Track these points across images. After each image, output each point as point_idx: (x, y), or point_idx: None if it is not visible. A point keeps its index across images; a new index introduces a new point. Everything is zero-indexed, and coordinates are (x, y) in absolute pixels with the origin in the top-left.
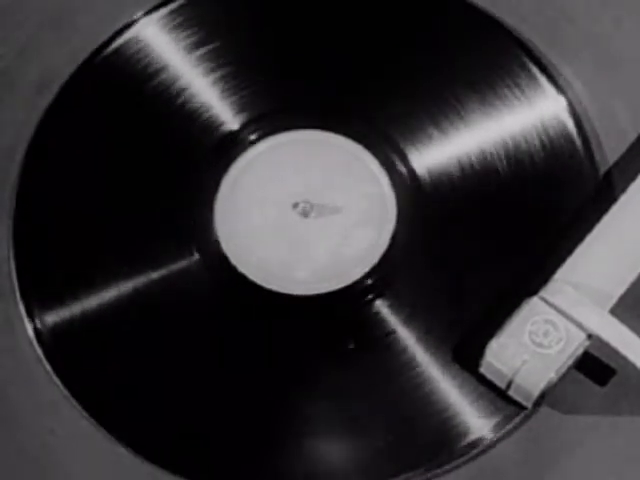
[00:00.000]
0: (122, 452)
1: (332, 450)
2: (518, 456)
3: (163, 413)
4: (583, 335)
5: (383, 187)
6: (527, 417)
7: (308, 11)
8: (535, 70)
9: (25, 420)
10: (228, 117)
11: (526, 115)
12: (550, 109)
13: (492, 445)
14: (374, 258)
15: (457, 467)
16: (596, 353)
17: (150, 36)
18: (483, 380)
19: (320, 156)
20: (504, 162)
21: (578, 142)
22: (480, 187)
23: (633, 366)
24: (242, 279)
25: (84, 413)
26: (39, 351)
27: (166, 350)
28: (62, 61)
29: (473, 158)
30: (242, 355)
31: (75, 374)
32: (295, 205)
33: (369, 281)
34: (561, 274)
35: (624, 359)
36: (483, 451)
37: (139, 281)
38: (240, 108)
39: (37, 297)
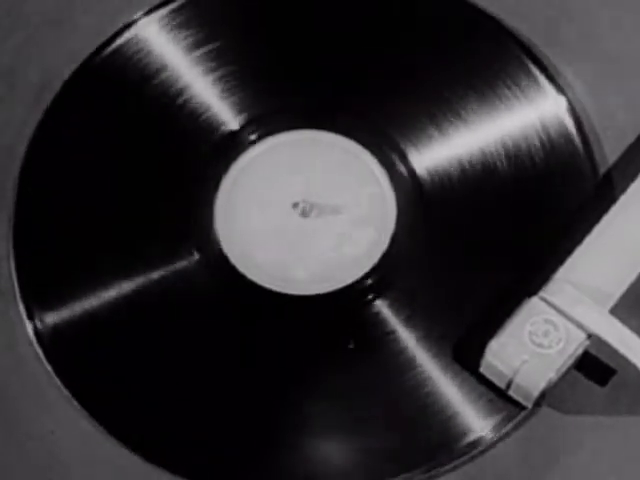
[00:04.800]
0: (122, 452)
1: (332, 450)
2: (518, 456)
3: (163, 413)
4: (583, 335)
5: (383, 187)
6: (527, 417)
7: (308, 11)
8: (535, 70)
9: (25, 420)
10: (228, 117)
11: (526, 115)
12: (550, 109)
13: (492, 445)
14: (374, 258)
15: (457, 467)
16: (596, 353)
17: (150, 36)
18: (483, 380)
19: (320, 156)
20: (504, 162)
21: (578, 142)
22: (480, 187)
23: (633, 366)
24: (242, 279)
25: (84, 413)
26: (39, 351)
27: (166, 350)
28: (62, 61)
29: (473, 158)
30: (242, 355)
31: (75, 374)
32: (295, 205)
33: (369, 281)
34: (561, 274)
35: (624, 359)
36: (483, 451)
37: (139, 281)
38: (240, 108)
39: (37, 297)
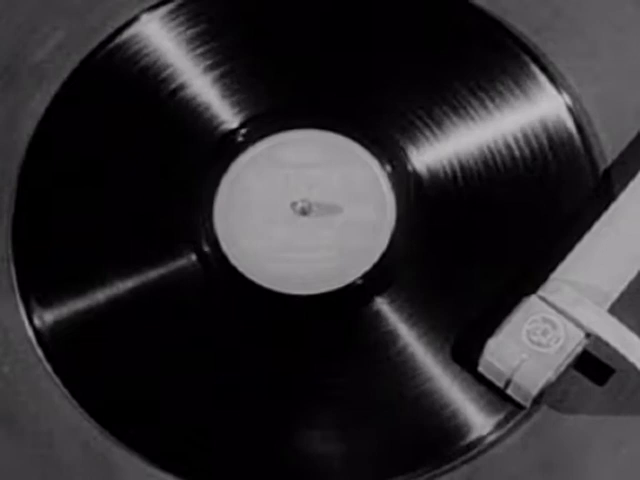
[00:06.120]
0: (122, 452)
1: (332, 450)
2: (517, 455)
3: (163, 413)
4: (582, 334)
5: (383, 186)
6: (526, 416)
7: (308, 11)
8: (535, 69)
9: (25, 420)
10: (228, 116)
11: (526, 114)
12: (550, 108)
13: (491, 444)
14: (374, 257)
15: (456, 467)
16: (595, 352)
17: (151, 34)
18: (482, 379)
19: (319, 155)
20: (504, 161)
21: (578, 141)
22: (480, 186)
23: (632, 365)
24: (241, 279)
25: (84, 412)
26: (39, 351)
27: (166, 350)
28: (62, 59)
29: (473, 157)
30: (242, 355)
31: (75, 374)
32: (294, 204)
33: (369, 280)
34: (560, 273)
35: (623, 358)
36: (482, 450)
37: (139, 281)
38: (240, 107)
39: (37, 296)
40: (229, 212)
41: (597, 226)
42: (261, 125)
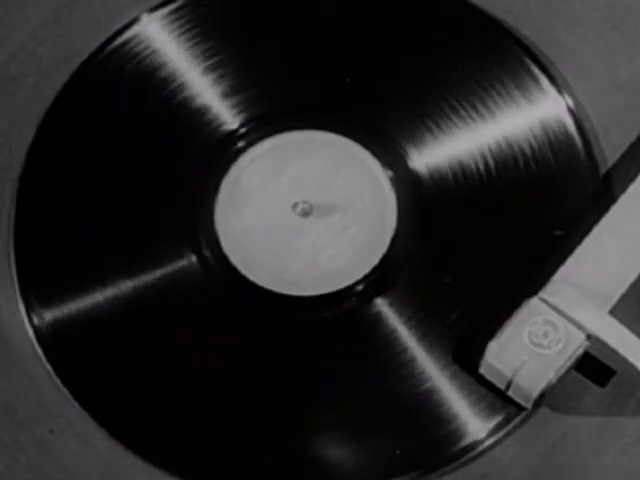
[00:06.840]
0: (122, 452)
1: (330, 451)
2: (517, 457)
3: (163, 413)
4: (582, 336)
5: (383, 187)
6: (526, 418)
7: (309, 11)
8: (536, 70)
9: (24, 420)
10: (228, 117)
11: (526, 115)
12: (550, 109)
13: (491, 446)
14: (375, 258)
15: (456, 469)
16: (595, 354)
17: (151, 35)
18: (482, 381)
19: (320, 156)
20: (505, 162)
21: (578, 142)
22: (480, 187)
23: (632, 367)
24: (242, 279)
25: (84, 412)
26: (38, 350)
27: (166, 350)
28: (63, 59)
29: (473, 158)
30: (242, 355)
31: (74, 373)
32: (295, 205)
33: (370, 281)
34: (561, 275)
35: (623, 360)
36: (482, 452)
37: (139, 280)
38: (240, 108)
39: (37, 295)
40: (230, 213)
41: (598, 228)
42: (262, 126)
